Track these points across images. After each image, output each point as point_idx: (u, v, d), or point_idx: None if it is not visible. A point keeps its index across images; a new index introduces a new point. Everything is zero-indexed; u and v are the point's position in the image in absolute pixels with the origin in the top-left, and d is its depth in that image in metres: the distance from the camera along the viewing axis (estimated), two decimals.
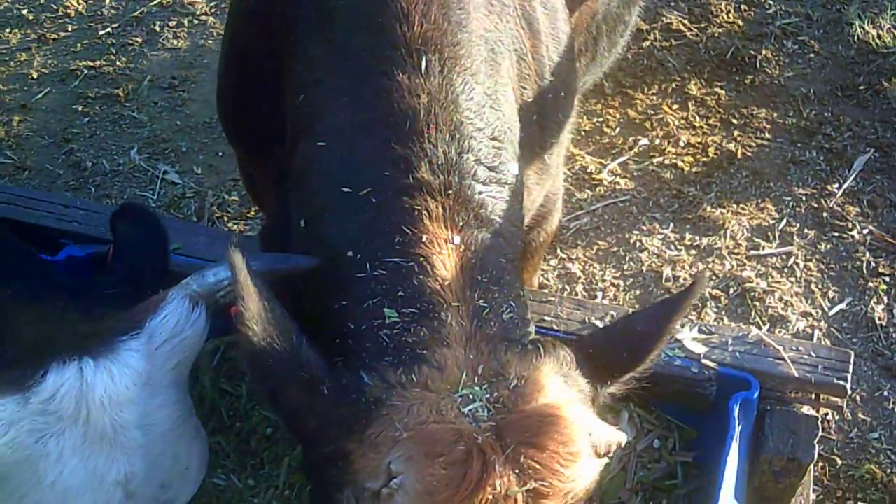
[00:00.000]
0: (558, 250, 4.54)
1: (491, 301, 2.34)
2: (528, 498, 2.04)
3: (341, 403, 2.16)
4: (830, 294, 4.36)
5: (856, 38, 5.64)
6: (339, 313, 2.37)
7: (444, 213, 2.37)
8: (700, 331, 3.06)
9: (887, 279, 4.43)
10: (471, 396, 2.14)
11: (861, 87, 5.38)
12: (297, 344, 2.21)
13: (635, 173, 4.96)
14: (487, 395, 2.15)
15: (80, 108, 5.40)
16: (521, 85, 2.79)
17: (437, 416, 2.10)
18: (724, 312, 4.25)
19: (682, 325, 3.06)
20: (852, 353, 3.00)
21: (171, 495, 2.42)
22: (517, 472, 2.04)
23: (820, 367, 2.95)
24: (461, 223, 2.38)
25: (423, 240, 2.33)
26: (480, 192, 2.43)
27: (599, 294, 4.36)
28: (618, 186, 4.89)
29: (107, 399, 2.21)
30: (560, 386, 2.24)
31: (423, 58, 2.43)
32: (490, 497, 2.00)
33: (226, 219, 4.70)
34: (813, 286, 4.38)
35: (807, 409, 2.97)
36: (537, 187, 3.04)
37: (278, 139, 2.75)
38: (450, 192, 2.38)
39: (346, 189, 2.41)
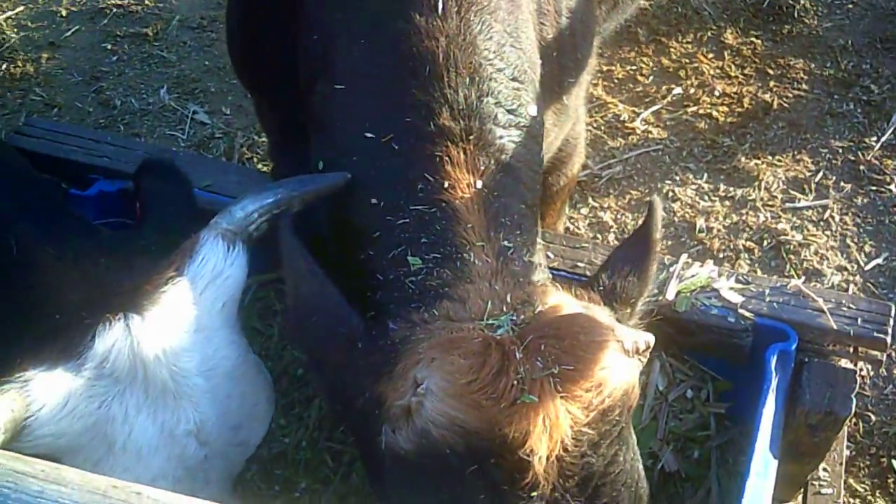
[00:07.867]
0: (590, 199, 4.49)
1: (514, 242, 2.35)
2: (558, 382, 2.00)
3: (371, 352, 2.16)
4: (867, 248, 4.29)
5: None
6: (366, 264, 2.37)
7: (466, 158, 2.35)
8: (737, 280, 2.99)
9: None
10: (496, 324, 2.15)
11: None
12: (338, 302, 2.23)
13: (669, 122, 4.89)
14: (513, 319, 2.16)
15: (108, 47, 5.37)
16: (540, 21, 2.74)
17: (459, 331, 2.13)
18: (757, 265, 4.20)
19: (720, 275, 3.01)
20: (893, 307, 2.93)
21: (245, 436, 2.41)
22: (538, 358, 2.02)
23: (859, 319, 2.88)
24: (483, 168, 2.36)
25: (446, 186, 2.33)
26: (501, 137, 2.42)
27: None
28: (651, 135, 4.82)
29: (161, 352, 2.19)
30: (583, 307, 2.27)
31: None
32: (514, 382, 1.98)
33: (255, 160, 4.67)
34: (849, 240, 4.31)
35: (845, 363, 2.92)
36: (555, 129, 3.01)
37: (287, 79, 2.70)
38: (471, 137, 2.36)
39: (368, 135, 2.39)
